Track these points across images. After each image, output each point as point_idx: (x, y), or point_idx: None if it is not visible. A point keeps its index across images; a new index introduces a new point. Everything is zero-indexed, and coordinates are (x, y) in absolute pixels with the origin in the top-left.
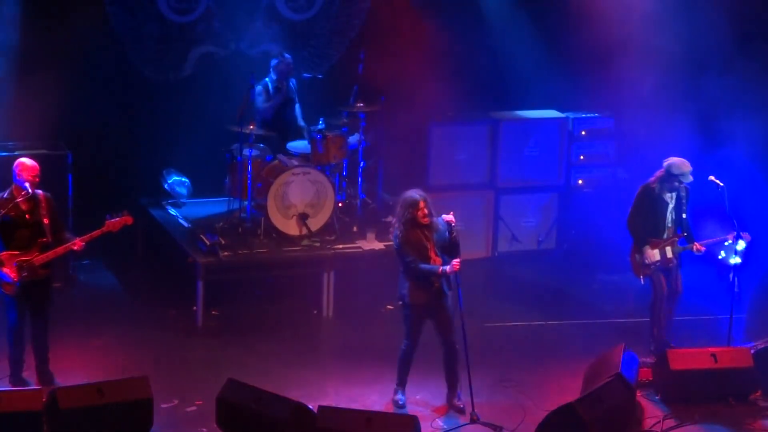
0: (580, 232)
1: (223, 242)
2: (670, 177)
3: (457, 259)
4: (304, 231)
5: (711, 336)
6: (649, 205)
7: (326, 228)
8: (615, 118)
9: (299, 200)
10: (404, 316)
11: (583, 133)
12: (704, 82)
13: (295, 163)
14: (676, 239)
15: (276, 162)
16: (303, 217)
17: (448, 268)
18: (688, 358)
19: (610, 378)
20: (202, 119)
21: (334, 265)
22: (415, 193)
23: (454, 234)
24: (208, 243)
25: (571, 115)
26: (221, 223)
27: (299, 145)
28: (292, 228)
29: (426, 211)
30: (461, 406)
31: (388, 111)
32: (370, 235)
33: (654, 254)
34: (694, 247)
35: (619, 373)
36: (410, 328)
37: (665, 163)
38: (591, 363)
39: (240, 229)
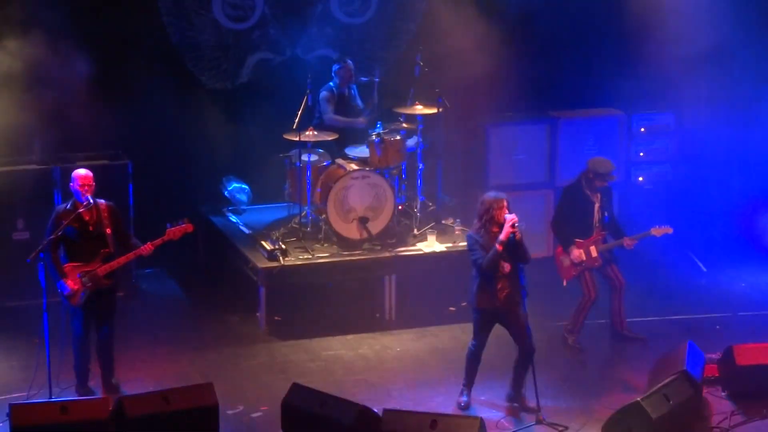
0: (642, 228)
1: (284, 248)
2: (595, 176)
3: (512, 218)
4: (365, 234)
5: None
6: (576, 205)
7: (386, 231)
8: (676, 114)
9: (359, 204)
10: (473, 319)
11: (643, 129)
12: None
13: (354, 167)
14: (600, 238)
15: (335, 166)
16: (363, 221)
17: (501, 236)
18: (755, 353)
19: (676, 375)
20: (261, 125)
21: (395, 269)
22: (498, 192)
23: (518, 234)
24: (269, 249)
25: (629, 111)
26: (282, 229)
27: (358, 149)
28: (352, 232)
29: (507, 211)
30: (531, 405)
31: (446, 113)
32: (431, 238)
33: (580, 254)
34: (624, 242)
35: (685, 369)
36: (478, 329)
37: (589, 162)
38: (656, 360)
39: (300, 235)
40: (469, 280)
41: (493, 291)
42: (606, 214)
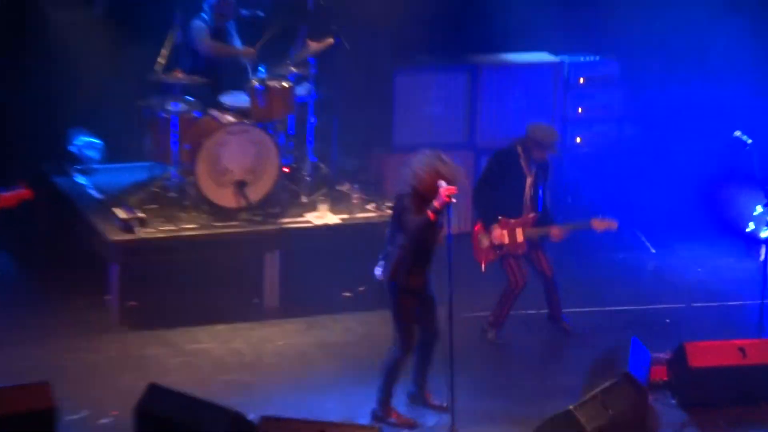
0: (577, 201)
1: (142, 217)
2: (534, 145)
3: (448, 189)
4: (242, 202)
5: (738, 326)
6: (506, 175)
7: (269, 198)
8: (622, 63)
9: (236, 165)
10: (397, 306)
11: (582, 80)
12: (727, 21)
13: (231, 119)
14: (530, 220)
15: (207, 118)
16: (241, 186)
17: (436, 202)
18: (711, 352)
19: (617, 378)
20: (117, 67)
21: (279, 244)
22: (433, 154)
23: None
24: (124, 218)
25: (567, 58)
26: (140, 194)
27: (236, 97)
28: (227, 199)
29: (440, 179)
30: (442, 405)
31: (345, 56)
32: (323, 207)
33: (501, 235)
34: (552, 231)
35: (627, 372)
36: (406, 321)
37: (529, 129)
38: (593, 360)
39: (163, 201)
40: (370, 257)
41: (424, 268)
42: (540, 191)
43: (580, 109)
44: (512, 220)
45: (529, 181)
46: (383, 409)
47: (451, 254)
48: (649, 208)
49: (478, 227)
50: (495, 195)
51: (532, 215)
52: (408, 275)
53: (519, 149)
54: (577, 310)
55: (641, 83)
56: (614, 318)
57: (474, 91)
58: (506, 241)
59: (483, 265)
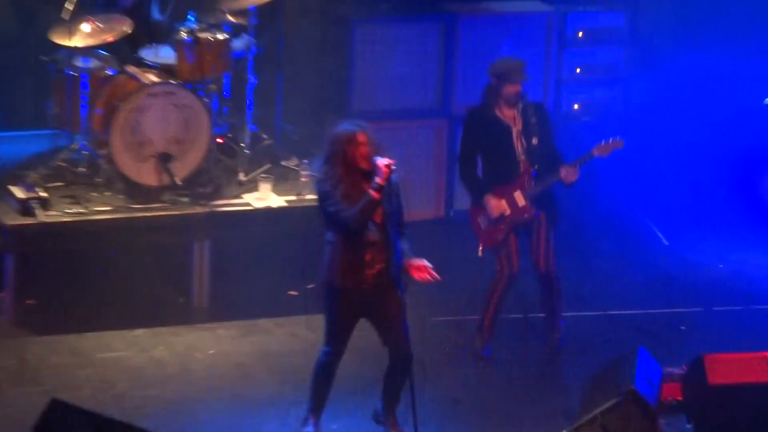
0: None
1: (44, 197)
2: (500, 81)
3: (386, 162)
4: (166, 180)
5: (765, 335)
6: (484, 134)
7: (199, 176)
8: (628, 14)
9: (159, 134)
10: (327, 308)
11: (581, 34)
12: None
13: (154, 78)
14: (527, 177)
15: (124, 77)
16: (164, 160)
17: (377, 178)
18: (735, 367)
19: (620, 396)
20: (13, 15)
21: (211, 232)
22: (350, 124)
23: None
24: (22, 198)
25: (563, 8)
26: (42, 169)
27: (160, 52)
28: (147, 175)
29: (368, 149)
30: None
31: (292, 2)
32: (265, 187)
33: (499, 205)
34: (561, 174)
35: (633, 389)
36: (335, 325)
37: (489, 69)
38: (592, 375)
39: (70, 178)
40: (323, 248)
41: (359, 264)
42: (533, 139)
43: (578, 69)
44: (507, 185)
45: (515, 131)
46: (306, 419)
47: (404, 289)
48: (660, 190)
49: (472, 209)
50: (481, 163)
51: (529, 169)
52: (343, 272)
53: (489, 99)
54: (574, 314)
55: (652, 39)
56: (618, 324)
57: (449, 47)
58: (507, 210)
59: (480, 250)
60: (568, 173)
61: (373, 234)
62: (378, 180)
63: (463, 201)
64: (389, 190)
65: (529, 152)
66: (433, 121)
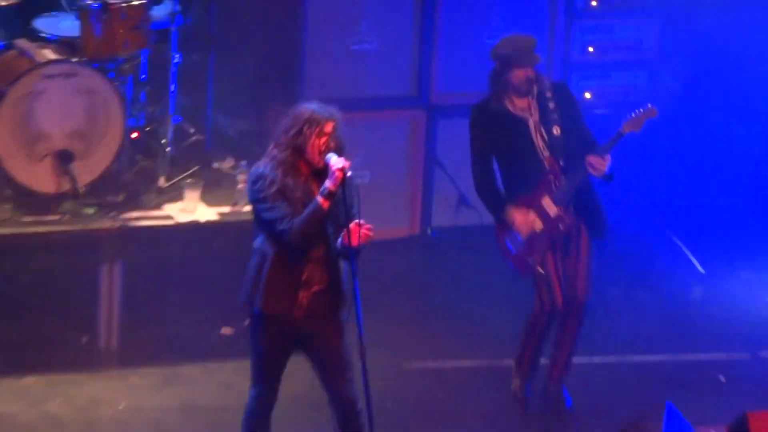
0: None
1: None
2: (505, 65)
3: (340, 163)
4: (66, 185)
5: None
6: (495, 133)
7: (108, 180)
8: None
9: (57, 127)
10: (251, 338)
11: (594, 2)
12: None
13: (52, 56)
14: (552, 177)
15: (13, 54)
16: (64, 160)
17: (328, 182)
18: None
19: None
20: None
21: (123, 252)
22: (321, 107)
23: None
24: None
25: None
26: None
27: (59, 22)
28: (42, 180)
29: (329, 144)
30: None
31: None
32: (192, 195)
33: (526, 222)
34: (589, 162)
35: None
36: (261, 363)
37: (491, 52)
38: None
39: None
40: (248, 266)
41: (292, 284)
42: (555, 129)
43: (591, 48)
44: (532, 193)
45: (532, 124)
46: None
47: (355, 261)
48: (695, 205)
49: (497, 229)
50: (498, 169)
51: (554, 167)
52: (271, 293)
53: (496, 89)
54: (589, 360)
55: (685, 11)
56: (642, 372)
57: (427, 18)
58: (538, 225)
59: (539, 272)
60: (596, 163)
61: (315, 248)
62: (329, 185)
63: (444, 214)
64: (343, 196)
65: (553, 146)
66: (407, 112)
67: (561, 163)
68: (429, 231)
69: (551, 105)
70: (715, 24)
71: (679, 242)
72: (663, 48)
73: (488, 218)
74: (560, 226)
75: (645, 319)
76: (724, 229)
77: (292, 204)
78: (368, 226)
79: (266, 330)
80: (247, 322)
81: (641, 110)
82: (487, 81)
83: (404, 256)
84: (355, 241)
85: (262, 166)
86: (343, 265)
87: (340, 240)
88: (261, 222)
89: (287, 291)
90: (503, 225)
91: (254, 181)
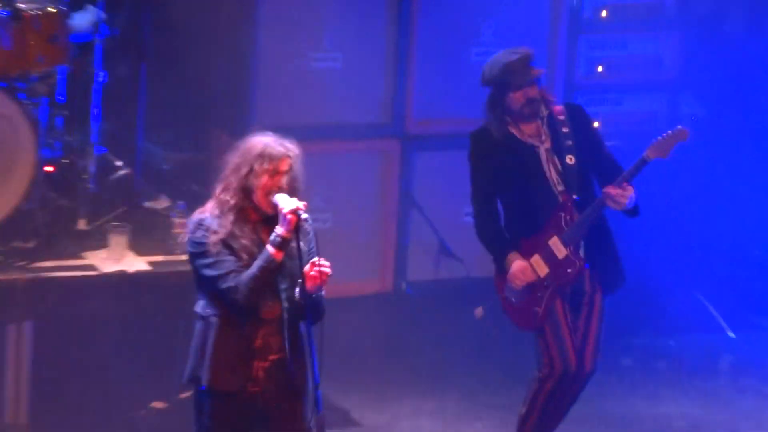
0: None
1: None
2: (503, 83)
3: (292, 205)
4: None
5: None
6: (501, 165)
7: (16, 223)
8: None
9: None
10: (196, 421)
11: (604, 13)
12: None
13: None
14: (562, 215)
15: None
16: None
17: (281, 228)
18: None
19: None
20: None
21: (34, 309)
22: (277, 141)
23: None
24: None
25: None
26: None
27: None
28: None
29: (286, 184)
30: None
31: None
32: (118, 241)
33: (526, 269)
34: (606, 195)
35: None
36: None
37: (485, 69)
38: None
39: None
40: (195, 330)
41: (244, 354)
42: (568, 158)
43: (599, 68)
44: (538, 234)
45: (542, 152)
46: None
47: (311, 314)
48: (724, 256)
49: (497, 278)
50: (501, 207)
51: (566, 203)
52: (219, 366)
53: (495, 113)
54: None
55: (711, 22)
56: None
57: (402, 30)
58: (542, 271)
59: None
60: (616, 195)
61: (268, 309)
62: (281, 231)
63: (422, 266)
64: (297, 245)
65: (567, 177)
66: (377, 142)
67: (575, 197)
68: (403, 286)
69: (564, 129)
70: (746, 37)
71: (705, 302)
72: (685, 67)
73: (475, 270)
74: (569, 270)
75: (666, 387)
76: (761, 288)
77: (239, 258)
78: (326, 264)
79: (215, 410)
80: (185, 394)
81: (669, 133)
82: (478, 107)
83: (374, 316)
84: (309, 283)
85: (207, 212)
86: (301, 328)
87: (297, 290)
88: (202, 280)
89: (238, 362)
90: (503, 273)
91: (194, 230)
